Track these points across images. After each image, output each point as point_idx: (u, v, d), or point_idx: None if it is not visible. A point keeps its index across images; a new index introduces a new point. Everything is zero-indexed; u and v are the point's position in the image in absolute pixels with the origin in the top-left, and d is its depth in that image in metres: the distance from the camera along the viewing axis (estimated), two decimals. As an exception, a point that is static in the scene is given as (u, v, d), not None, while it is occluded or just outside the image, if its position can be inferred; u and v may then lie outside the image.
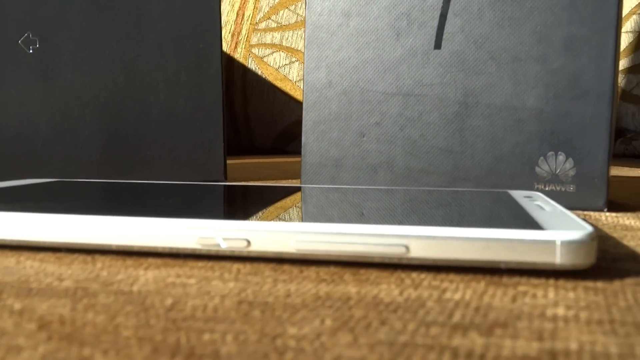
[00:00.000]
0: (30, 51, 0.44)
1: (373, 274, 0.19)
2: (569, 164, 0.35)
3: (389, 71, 0.39)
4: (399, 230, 0.19)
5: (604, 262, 0.21)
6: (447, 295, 0.17)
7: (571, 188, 0.35)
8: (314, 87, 0.41)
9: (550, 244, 0.18)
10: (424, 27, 0.38)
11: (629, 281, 0.19)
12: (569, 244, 0.18)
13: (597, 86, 0.34)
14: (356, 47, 0.40)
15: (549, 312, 0.16)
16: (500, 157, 0.37)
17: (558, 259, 0.18)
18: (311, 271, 0.19)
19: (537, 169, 0.36)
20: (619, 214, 0.33)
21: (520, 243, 0.18)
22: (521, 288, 0.18)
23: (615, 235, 0.27)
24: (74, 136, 0.45)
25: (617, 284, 0.18)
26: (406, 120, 0.38)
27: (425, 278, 0.18)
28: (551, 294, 0.17)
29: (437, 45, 0.38)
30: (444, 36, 0.37)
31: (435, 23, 0.37)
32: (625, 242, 0.26)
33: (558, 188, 0.36)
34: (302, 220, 0.21)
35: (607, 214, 0.34)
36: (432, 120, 0.38)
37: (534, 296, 0.17)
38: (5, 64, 0.44)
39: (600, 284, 0.18)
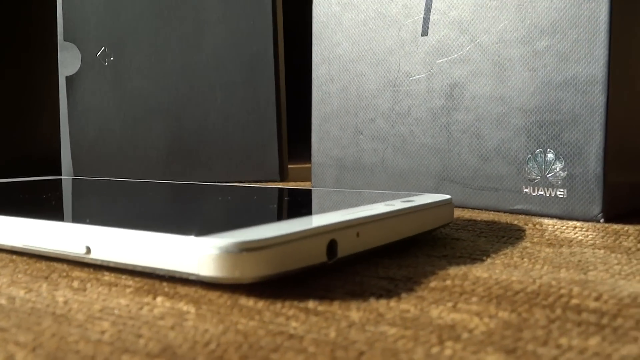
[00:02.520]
0: (106, 64, 0.50)
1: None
2: (560, 163, 0.29)
3: (381, 64, 0.36)
4: (81, 230, 0.18)
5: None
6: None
7: (562, 193, 0.29)
8: (320, 83, 0.39)
9: (191, 252, 0.16)
10: (410, 12, 0.34)
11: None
12: (208, 254, 0.16)
13: (587, 70, 0.28)
14: (351, 40, 0.37)
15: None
16: (486, 156, 0.32)
17: (198, 269, 0.16)
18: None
19: (525, 170, 0.30)
20: (611, 226, 0.27)
21: (163, 249, 0.17)
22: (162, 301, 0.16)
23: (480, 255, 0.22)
24: (143, 139, 0.50)
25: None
26: (397, 115, 0.35)
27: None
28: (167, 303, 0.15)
29: (424, 32, 0.34)
30: (430, 20, 0.34)
31: (422, 7, 0.34)
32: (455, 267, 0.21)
33: (548, 193, 0.30)
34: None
35: (581, 225, 0.27)
36: (420, 115, 0.34)
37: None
38: (87, 76, 0.50)
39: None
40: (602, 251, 0.22)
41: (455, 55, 0.33)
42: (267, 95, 0.49)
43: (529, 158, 0.30)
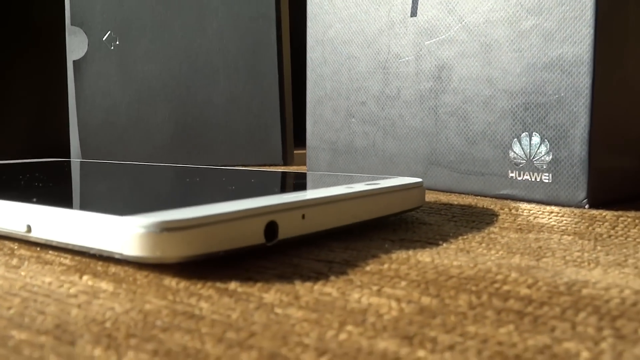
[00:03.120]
0: (112, 48, 0.50)
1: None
2: (545, 147, 0.28)
3: (371, 45, 0.35)
4: (22, 209, 0.18)
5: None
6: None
7: (547, 178, 0.28)
8: (314, 66, 0.39)
9: (116, 231, 0.16)
10: (401, -7, 0.33)
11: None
12: (130, 233, 0.16)
13: (572, 50, 0.27)
14: (343, 22, 0.37)
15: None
16: (473, 140, 0.31)
17: (122, 248, 0.16)
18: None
19: (511, 154, 0.30)
20: (590, 212, 0.26)
21: (92, 228, 0.16)
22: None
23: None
24: (148, 123, 0.50)
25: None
26: (387, 98, 0.35)
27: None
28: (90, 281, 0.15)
29: (413, 12, 0.33)
30: (419, 1, 0.33)
31: (412, -13, 0.33)
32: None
33: (533, 177, 0.29)
34: None
35: (560, 210, 0.26)
36: (409, 98, 0.33)
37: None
38: (94, 60, 0.50)
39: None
40: (570, 237, 0.21)
41: (443, 36, 0.32)
42: (270, 80, 0.49)
43: (515, 141, 0.29)
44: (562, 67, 0.27)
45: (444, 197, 0.31)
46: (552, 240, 0.21)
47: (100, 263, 0.18)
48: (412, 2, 0.33)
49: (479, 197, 0.31)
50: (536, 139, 0.29)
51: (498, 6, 0.29)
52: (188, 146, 0.50)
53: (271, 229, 0.18)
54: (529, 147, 0.29)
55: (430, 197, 0.31)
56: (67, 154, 0.54)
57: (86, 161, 0.37)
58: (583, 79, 0.27)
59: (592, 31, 0.26)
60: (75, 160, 0.40)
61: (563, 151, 0.28)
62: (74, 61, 0.50)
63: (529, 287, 0.15)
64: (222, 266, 0.17)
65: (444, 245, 0.20)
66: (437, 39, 0.32)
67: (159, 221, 0.16)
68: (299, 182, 0.26)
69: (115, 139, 0.50)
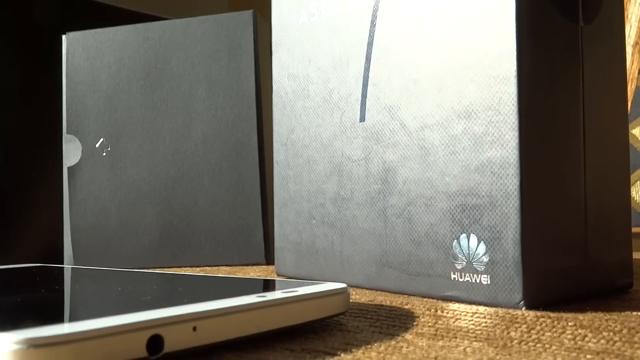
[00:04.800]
0: (104, 154, 0.52)
1: None
2: (482, 248, 0.28)
3: (327, 149, 0.36)
4: None
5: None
6: None
7: (486, 279, 0.28)
8: (280, 168, 0.40)
9: None
10: (350, 99, 0.35)
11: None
12: (3, 349, 0.16)
13: (500, 153, 0.28)
14: (303, 126, 0.38)
15: None
16: (418, 241, 0.31)
17: None
18: None
19: (452, 255, 0.30)
20: (513, 313, 0.25)
21: None
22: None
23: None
24: (136, 225, 0.52)
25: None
26: (342, 200, 0.35)
27: None
28: None
29: (362, 117, 0.34)
30: (367, 106, 0.34)
31: (359, 94, 0.34)
32: None
33: (473, 279, 0.29)
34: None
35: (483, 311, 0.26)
36: (361, 200, 0.34)
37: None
38: (87, 165, 0.52)
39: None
40: (478, 344, 0.21)
41: (388, 140, 0.33)
42: (253, 181, 0.50)
43: (455, 243, 0.29)
44: (492, 170, 0.28)
45: (385, 299, 0.31)
46: (458, 349, 0.21)
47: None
48: (361, 108, 0.34)
49: (423, 298, 0.30)
50: (474, 240, 0.29)
51: (433, 111, 0.30)
52: (174, 247, 0.51)
53: (156, 342, 0.18)
54: (467, 248, 0.29)
55: (380, 298, 0.31)
56: (61, 257, 0.56)
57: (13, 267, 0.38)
58: (511, 181, 0.27)
59: (517, 134, 0.27)
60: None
61: (498, 253, 0.28)
62: (68, 167, 0.53)
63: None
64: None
65: (342, 356, 0.20)
66: (383, 142, 0.33)
67: (27, 338, 0.16)
68: (208, 290, 0.26)
69: (105, 241, 0.52)
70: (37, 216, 0.66)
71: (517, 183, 0.27)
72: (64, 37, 0.54)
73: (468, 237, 0.29)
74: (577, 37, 0.29)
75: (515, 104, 0.27)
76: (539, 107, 0.28)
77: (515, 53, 0.27)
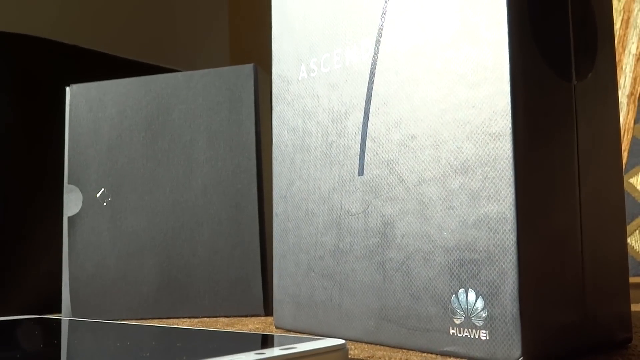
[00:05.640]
0: (104, 204, 0.53)
1: None
2: (480, 303, 0.28)
3: (326, 202, 0.37)
4: None
5: None
6: None
7: (484, 335, 0.28)
8: (279, 221, 0.40)
9: None
10: (349, 153, 0.35)
11: None
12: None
13: (496, 208, 0.28)
14: (302, 179, 0.39)
15: None
16: (417, 295, 0.31)
17: None
18: None
19: (450, 310, 0.30)
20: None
21: None
22: None
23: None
24: (135, 275, 0.51)
25: None
26: (341, 253, 0.36)
27: None
28: None
29: (361, 171, 0.35)
30: (365, 161, 0.34)
31: (358, 148, 0.35)
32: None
33: (472, 335, 0.29)
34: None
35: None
36: (360, 253, 0.34)
37: None
38: (87, 215, 0.53)
39: None
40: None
41: (386, 194, 0.33)
42: (252, 231, 0.50)
43: (453, 298, 0.30)
44: (489, 225, 0.28)
45: (384, 355, 0.30)
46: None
47: None
48: (359, 162, 0.35)
49: (422, 354, 0.30)
50: (472, 295, 0.29)
51: (430, 166, 0.31)
52: (173, 298, 0.51)
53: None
54: (466, 303, 0.29)
55: (379, 354, 0.31)
56: (59, 307, 0.56)
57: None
58: (508, 237, 0.27)
59: (513, 190, 0.27)
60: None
61: (496, 308, 0.28)
62: (68, 217, 0.53)
63: None
64: None
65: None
66: (382, 196, 0.33)
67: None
68: (206, 346, 0.26)
69: (104, 291, 0.52)
70: (36, 266, 0.66)
71: (514, 239, 0.27)
72: (67, 89, 0.55)
73: (466, 292, 0.29)
74: (570, 94, 0.30)
75: (511, 160, 0.27)
76: (534, 164, 0.28)
77: (510, 111, 0.28)
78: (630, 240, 0.82)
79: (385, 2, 0.34)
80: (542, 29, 0.29)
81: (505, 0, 0.28)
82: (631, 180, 0.93)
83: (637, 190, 0.92)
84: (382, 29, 0.34)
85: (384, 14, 0.34)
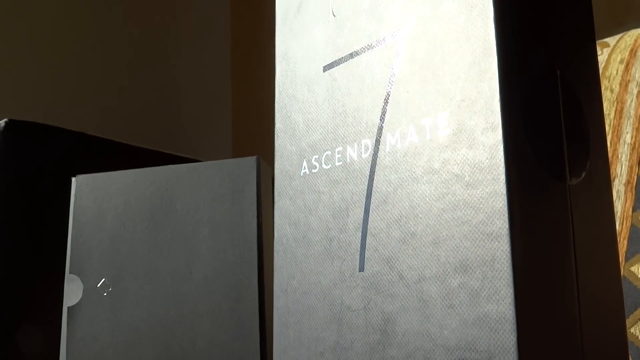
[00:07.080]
0: (105, 294, 0.53)
1: None
2: (483, 405, 0.28)
3: (327, 297, 0.37)
4: None
5: None
6: None
7: None
8: (280, 315, 0.40)
9: None
10: (350, 248, 0.36)
11: None
12: None
13: (496, 308, 0.28)
14: (303, 273, 0.39)
15: None
16: (418, 395, 0.31)
17: None
18: None
19: (453, 411, 0.29)
20: None
21: None
22: None
23: None
24: (133, 367, 0.51)
25: None
26: (342, 349, 0.35)
27: None
28: None
29: (361, 267, 0.35)
30: (365, 257, 0.35)
31: (359, 244, 0.35)
32: None
33: None
34: None
35: None
36: (361, 349, 0.34)
37: None
38: (87, 305, 0.53)
39: None
40: None
41: (387, 291, 0.33)
42: (252, 324, 0.50)
43: (455, 398, 0.29)
44: (489, 325, 0.28)
45: None
46: None
47: None
48: (360, 257, 0.35)
49: None
50: (474, 396, 0.29)
51: (430, 264, 0.31)
52: (171, 391, 0.50)
53: None
54: (468, 404, 0.29)
55: None
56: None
57: None
58: (508, 337, 0.27)
59: (512, 290, 0.28)
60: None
61: (499, 410, 0.27)
62: (68, 307, 0.53)
63: None
64: None
65: None
66: (382, 292, 0.33)
67: None
68: None
69: (100, 384, 0.51)
70: (35, 357, 0.65)
71: (514, 339, 0.27)
72: (73, 179, 0.56)
73: (468, 393, 0.29)
74: (565, 193, 0.31)
75: (509, 260, 0.28)
76: (532, 263, 0.28)
77: (506, 212, 0.28)
78: (634, 330, 0.81)
79: (385, 104, 0.35)
80: (536, 132, 0.30)
81: (500, 105, 0.29)
82: (632, 269, 0.93)
83: (639, 278, 0.92)
84: (381, 129, 0.35)
85: (383, 114, 0.35)
